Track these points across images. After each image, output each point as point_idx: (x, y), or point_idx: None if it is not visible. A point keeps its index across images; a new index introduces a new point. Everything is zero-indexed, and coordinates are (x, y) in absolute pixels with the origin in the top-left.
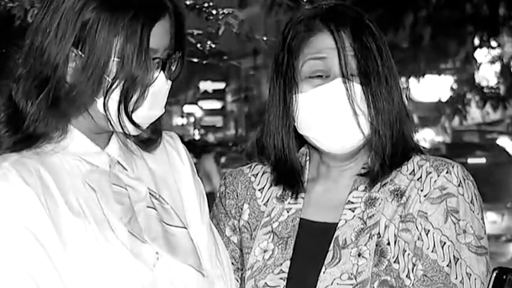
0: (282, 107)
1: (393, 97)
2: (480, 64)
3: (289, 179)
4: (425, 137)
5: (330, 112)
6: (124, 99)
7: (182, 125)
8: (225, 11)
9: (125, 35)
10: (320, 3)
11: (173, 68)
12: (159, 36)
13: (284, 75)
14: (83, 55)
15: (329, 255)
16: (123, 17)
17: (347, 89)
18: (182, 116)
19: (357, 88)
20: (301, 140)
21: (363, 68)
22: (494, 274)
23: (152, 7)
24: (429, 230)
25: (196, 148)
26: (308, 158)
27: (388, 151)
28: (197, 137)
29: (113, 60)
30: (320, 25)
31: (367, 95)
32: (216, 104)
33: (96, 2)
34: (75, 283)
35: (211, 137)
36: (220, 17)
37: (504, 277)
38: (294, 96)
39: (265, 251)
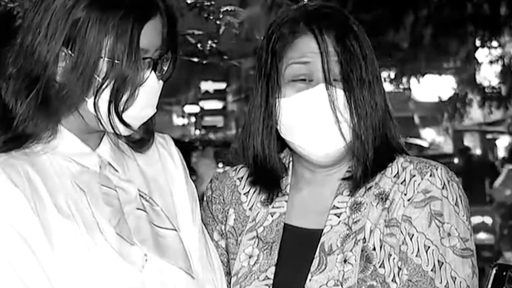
0: (264, 109)
1: (376, 101)
2: (481, 64)
3: (267, 181)
4: (426, 137)
5: (312, 118)
6: (115, 99)
7: (183, 125)
8: (226, 8)
9: (115, 34)
10: (305, 3)
11: (165, 68)
12: (150, 35)
13: (267, 77)
14: (73, 55)
15: (315, 261)
16: (113, 16)
17: (329, 95)
18: (183, 116)
19: (339, 94)
20: (283, 143)
21: (346, 73)
22: (494, 271)
23: (143, 7)
24: (413, 235)
25: (196, 148)
26: (291, 159)
27: (370, 156)
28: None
29: (103, 59)
30: (304, 28)
31: (349, 101)
32: (217, 104)
33: (87, 1)
34: (63, 285)
35: (212, 137)
36: (221, 16)
37: (504, 273)
38: (277, 99)
39: (250, 256)
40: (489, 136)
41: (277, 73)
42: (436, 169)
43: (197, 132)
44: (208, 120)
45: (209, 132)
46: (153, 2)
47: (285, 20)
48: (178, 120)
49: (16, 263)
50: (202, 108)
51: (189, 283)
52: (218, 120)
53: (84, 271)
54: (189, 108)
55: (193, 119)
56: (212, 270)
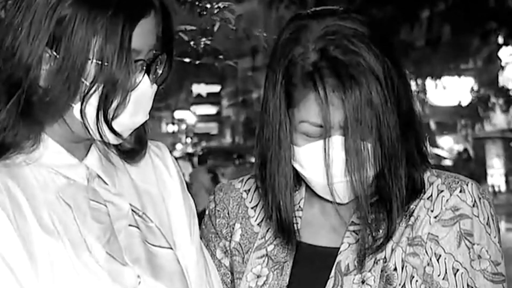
0: (277, 140)
1: (401, 133)
2: (505, 64)
3: (282, 226)
4: (444, 145)
5: (325, 170)
6: (103, 105)
7: (173, 132)
8: (221, 4)
9: (105, 34)
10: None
11: (160, 71)
12: (143, 35)
13: (282, 115)
14: (58, 56)
15: (330, 282)
16: (103, 14)
17: (344, 149)
18: (173, 123)
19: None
20: None
21: (362, 128)
22: None
23: (135, 4)
24: (440, 255)
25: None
26: None
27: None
28: (189, 146)
29: (91, 61)
30: (318, 87)
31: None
32: (210, 109)
33: None
34: None
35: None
36: (215, 12)
37: None
38: (291, 145)
39: (258, 276)
40: None
41: (289, 119)
42: (467, 185)
43: (188, 140)
44: (201, 126)
45: (201, 140)
46: None
47: (297, 57)
48: (167, 127)
49: None
50: (194, 114)
51: None
52: (212, 127)
53: None
54: (180, 114)
55: (183, 125)
56: None
